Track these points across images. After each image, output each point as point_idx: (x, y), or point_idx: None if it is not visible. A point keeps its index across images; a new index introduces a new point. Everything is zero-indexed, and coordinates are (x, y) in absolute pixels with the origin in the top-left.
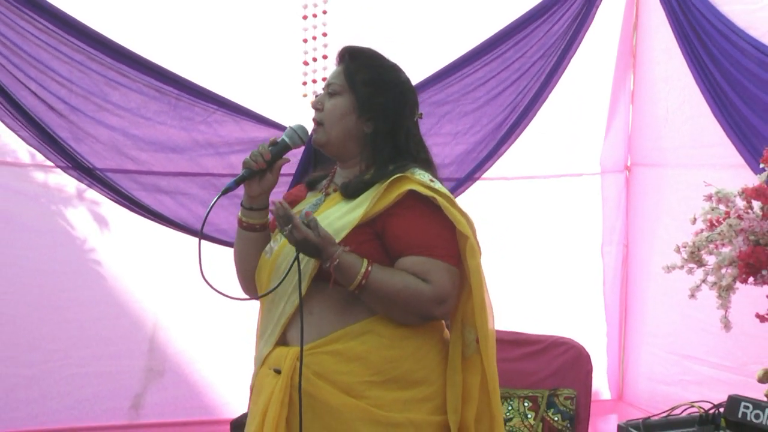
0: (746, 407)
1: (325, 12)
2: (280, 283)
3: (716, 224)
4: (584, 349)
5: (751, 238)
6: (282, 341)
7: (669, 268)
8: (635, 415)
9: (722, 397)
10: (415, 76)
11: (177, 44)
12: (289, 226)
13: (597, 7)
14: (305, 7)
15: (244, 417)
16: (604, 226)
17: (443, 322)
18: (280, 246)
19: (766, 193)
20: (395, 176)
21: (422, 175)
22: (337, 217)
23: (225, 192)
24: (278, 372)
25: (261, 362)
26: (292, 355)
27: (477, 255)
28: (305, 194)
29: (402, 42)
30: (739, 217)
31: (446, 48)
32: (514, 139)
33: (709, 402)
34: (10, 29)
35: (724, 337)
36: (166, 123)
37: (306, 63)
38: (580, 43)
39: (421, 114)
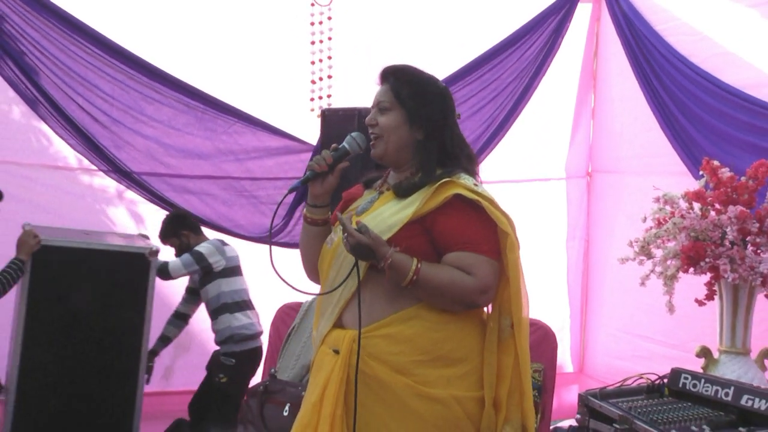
0: (686, 378)
1: (330, 38)
2: (342, 283)
3: (663, 222)
4: (550, 329)
5: (692, 234)
6: (338, 323)
7: (623, 260)
8: (594, 385)
9: (666, 370)
10: None
11: (204, 65)
12: (345, 235)
13: (563, 37)
14: (313, 33)
15: (258, 386)
16: (568, 224)
17: None
18: (339, 238)
19: (704, 196)
20: (443, 180)
21: (467, 180)
22: (391, 214)
23: (292, 190)
24: (337, 352)
25: (321, 341)
26: (349, 337)
27: (516, 250)
28: (362, 192)
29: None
30: (682, 216)
31: (434, 70)
32: (492, 149)
33: (655, 374)
34: (62, 52)
35: (669, 319)
36: (193, 133)
37: (313, 82)
38: (548, 67)
39: (459, 114)
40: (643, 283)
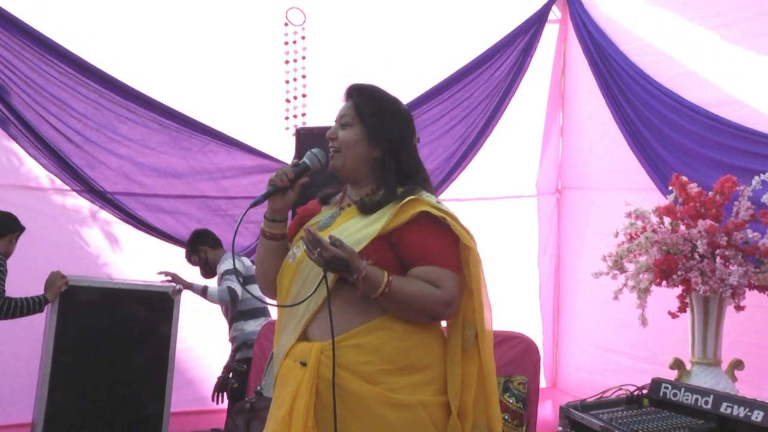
0: (666, 387)
1: (304, 58)
2: (310, 296)
3: (635, 237)
4: (533, 341)
5: (663, 248)
6: (303, 337)
7: (597, 274)
8: (567, 400)
9: (638, 383)
10: None
11: (178, 84)
12: (318, 249)
13: (532, 56)
14: (287, 53)
15: (244, 403)
16: (539, 240)
17: None
18: (302, 253)
19: (674, 211)
20: (410, 198)
21: (430, 197)
22: (357, 229)
23: (254, 205)
24: (304, 364)
25: (284, 355)
26: (316, 349)
27: (479, 263)
28: (319, 209)
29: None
30: (654, 231)
31: (408, 89)
32: (464, 167)
33: (634, 385)
34: (34, 72)
35: (639, 332)
36: (168, 152)
37: (288, 101)
38: (518, 86)
39: (419, 138)
40: (616, 297)
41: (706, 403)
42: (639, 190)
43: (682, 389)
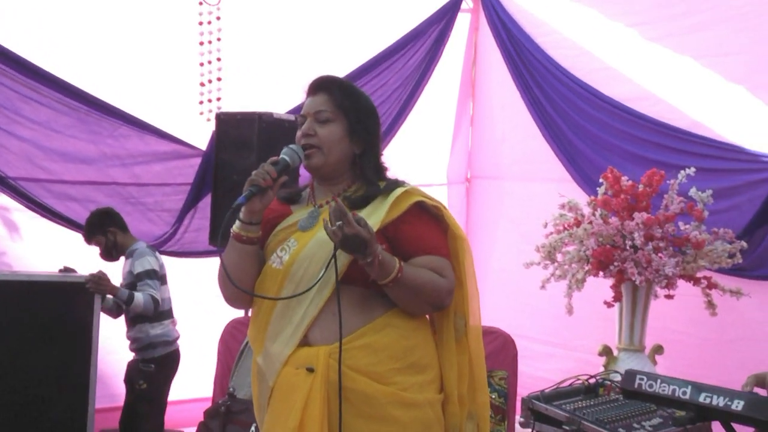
0: (641, 379)
1: (219, 39)
2: (316, 283)
3: (567, 228)
4: (510, 336)
5: (600, 239)
6: (304, 342)
7: (528, 264)
8: None
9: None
10: (293, 101)
11: (87, 64)
12: (340, 222)
13: (445, 45)
14: (201, 34)
15: (219, 406)
16: None
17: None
18: (291, 256)
19: (611, 204)
20: (403, 190)
21: (418, 189)
22: None
23: (237, 208)
24: (311, 370)
25: (283, 363)
26: (323, 353)
27: (469, 253)
28: (288, 209)
29: (283, 69)
30: (590, 222)
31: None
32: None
33: (588, 374)
34: None
35: (552, 320)
36: (76, 136)
37: (202, 84)
38: (431, 74)
39: None
40: (543, 287)
41: (684, 393)
42: (552, 180)
43: (658, 380)
